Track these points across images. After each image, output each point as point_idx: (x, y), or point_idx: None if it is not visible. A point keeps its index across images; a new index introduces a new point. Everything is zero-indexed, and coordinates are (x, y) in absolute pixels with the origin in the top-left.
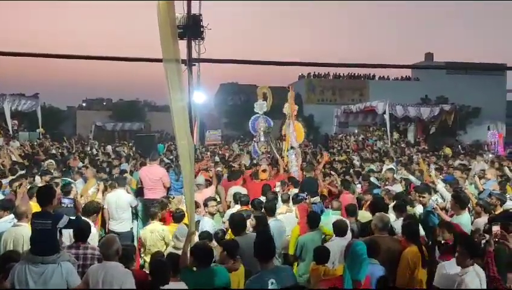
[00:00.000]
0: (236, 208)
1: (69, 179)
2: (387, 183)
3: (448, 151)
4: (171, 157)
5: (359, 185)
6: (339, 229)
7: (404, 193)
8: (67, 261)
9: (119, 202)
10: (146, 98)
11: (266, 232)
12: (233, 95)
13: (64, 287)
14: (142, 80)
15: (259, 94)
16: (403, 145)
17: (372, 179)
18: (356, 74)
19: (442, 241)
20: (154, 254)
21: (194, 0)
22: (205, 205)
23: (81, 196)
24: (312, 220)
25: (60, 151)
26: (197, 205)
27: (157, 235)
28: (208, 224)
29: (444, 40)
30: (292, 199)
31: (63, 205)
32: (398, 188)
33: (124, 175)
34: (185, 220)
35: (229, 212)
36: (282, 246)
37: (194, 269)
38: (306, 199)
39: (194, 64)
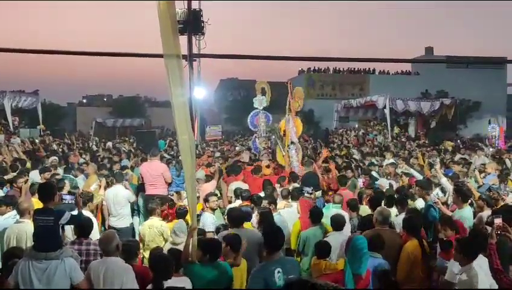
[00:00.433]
0: (237, 203)
1: (71, 176)
2: (388, 177)
3: (449, 145)
4: (172, 153)
5: (361, 180)
6: (337, 223)
7: (404, 187)
8: (70, 257)
9: (117, 198)
10: (146, 94)
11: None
12: (233, 90)
13: (68, 283)
14: (142, 76)
15: (257, 89)
16: (403, 139)
17: (373, 173)
18: (356, 69)
19: (444, 238)
20: (153, 250)
21: None
22: (206, 200)
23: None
24: (315, 215)
25: (60, 147)
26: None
27: (156, 231)
28: (209, 219)
29: (444, 35)
30: (291, 194)
31: (64, 201)
32: (385, 183)
33: (125, 171)
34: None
35: (229, 207)
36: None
37: (197, 263)
38: (311, 193)
39: (195, 60)
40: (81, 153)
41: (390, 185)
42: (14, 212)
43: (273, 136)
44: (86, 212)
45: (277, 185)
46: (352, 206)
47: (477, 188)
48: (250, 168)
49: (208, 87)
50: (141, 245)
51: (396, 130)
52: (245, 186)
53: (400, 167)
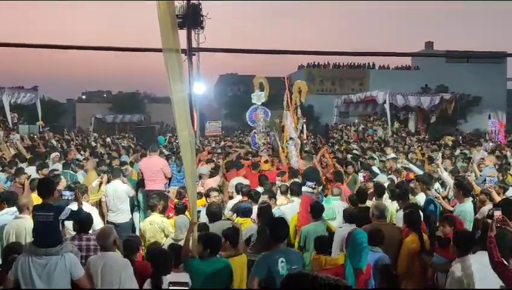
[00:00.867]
0: (238, 198)
1: (71, 171)
2: (389, 172)
3: (449, 140)
4: (172, 148)
5: (361, 174)
6: (349, 216)
7: (404, 182)
8: (70, 252)
9: (117, 193)
10: (146, 90)
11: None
12: (233, 85)
13: (68, 279)
14: (141, 71)
15: (255, 84)
16: (403, 134)
17: (374, 168)
18: (356, 64)
19: (442, 235)
20: (150, 245)
21: None
22: (207, 195)
23: None
24: (315, 210)
25: (60, 144)
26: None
27: (157, 227)
28: None
29: (443, 30)
30: (291, 189)
31: (63, 197)
32: (384, 179)
33: (125, 167)
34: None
35: (230, 203)
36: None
37: (197, 258)
38: (314, 188)
39: (194, 54)
40: (80, 150)
41: (392, 180)
42: (14, 208)
43: (272, 132)
44: (88, 205)
45: (278, 178)
46: (353, 201)
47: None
48: (249, 162)
49: (207, 83)
50: (142, 242)
51: (396, 125)
52: (246, 181)
53: (399, 161)
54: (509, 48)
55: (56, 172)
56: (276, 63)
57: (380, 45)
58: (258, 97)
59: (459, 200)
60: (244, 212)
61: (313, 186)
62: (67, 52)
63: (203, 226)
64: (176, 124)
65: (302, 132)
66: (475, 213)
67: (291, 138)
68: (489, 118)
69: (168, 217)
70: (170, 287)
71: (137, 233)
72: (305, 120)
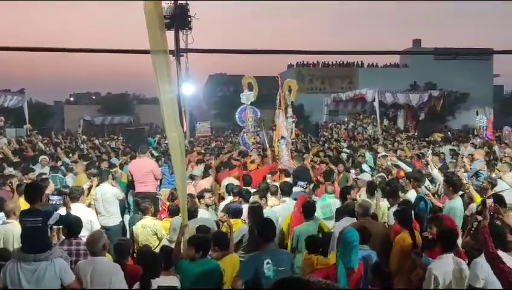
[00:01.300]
0: (229, 199)
1: (59, 175)
2: (380, 170)
3: (438, 136)
4: (161, 149)
5: (353, 171)
6: (350, 210)
7: (395, 180)
8: (59, 257)
9: (106, 196)
10: (134, 91)
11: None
12: (222, 85)
13: (58, 284)
14: (130, 72)
15: (244, 84)
16: (393, 132)
17: (364, 166)
18: (345, 62)
19: (429, 236)
20: (140, 248)
21: None
22: (201, 196)
23: None
24: (307, 210)
25: (47, 147)
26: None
27: (149, 230)
28: (203, 216)
29: (431, 28)
30: (282, 189)
31: (51, 201)
32: (367, 177)
33: (114, 169)
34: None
35: (222, 204)
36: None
37: (188, 260)
38: (305, 187)
39: (182, 55)
40: (68, 152)
41: (382, 178)
42: (1, 213)
43: (261, 132)
44: (81, 206)
45: (268, 176)
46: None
47: (465, 173)
48: (239, 163)
49: (196, 83)
50: (135, 245)
51: (385, 122)
52: (237, 182)
53: (388, 159)
54: (496, 45)
55: (44, 176)
56: (266, 62)
57: (368, 43)
58: (247, 97)
59: (449, 196)
60: (234, 213)
61: (304, 185)
62: (54, 54)
63: (203, 229)
64: (165, 126)
65: (292, 131)
66: (464, 210)
67: (282, 137)
68: (477, 114)
69: (160, 219)
70: None
71: (128, 235)
72: (294, 119)
